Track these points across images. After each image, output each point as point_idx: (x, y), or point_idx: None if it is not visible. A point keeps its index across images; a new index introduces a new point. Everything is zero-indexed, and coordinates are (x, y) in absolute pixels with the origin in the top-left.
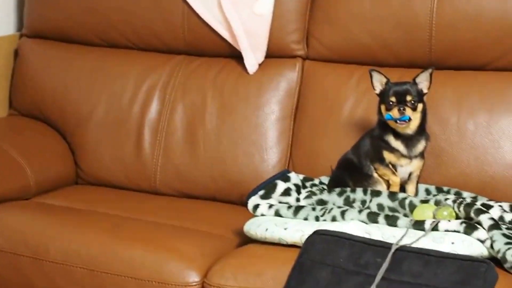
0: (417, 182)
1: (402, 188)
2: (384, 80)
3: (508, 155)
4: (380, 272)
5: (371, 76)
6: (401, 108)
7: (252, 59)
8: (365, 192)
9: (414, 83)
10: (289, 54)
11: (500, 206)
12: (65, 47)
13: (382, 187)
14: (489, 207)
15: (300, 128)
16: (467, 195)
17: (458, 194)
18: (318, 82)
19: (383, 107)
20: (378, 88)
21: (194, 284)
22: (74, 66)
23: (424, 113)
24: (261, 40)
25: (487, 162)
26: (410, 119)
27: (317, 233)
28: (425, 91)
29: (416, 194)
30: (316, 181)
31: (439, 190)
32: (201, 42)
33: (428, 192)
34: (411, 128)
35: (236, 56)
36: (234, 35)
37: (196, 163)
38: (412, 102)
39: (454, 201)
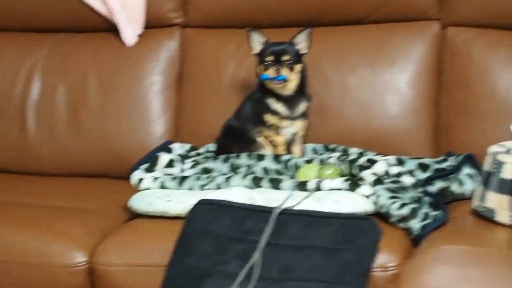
0: (303, 142)
1: (289, 150)
2: (263, 39)
3: (392, 107)
4: (263, 237)
5: (248, 37)
6: (277, 68)
7: (130, 31)
8: (249, 157)
9: (292, 43)
10: (168, 23)
11: (385, 160)
12: None
13: (267, 151)
14: (374, 162)
15: (184, 97)
16: (354, 151)
17: (345, 151)
18: (199, 49)
19: (260, 68)
20: (257, 48)
21: (81, 264)
22: None
23: (303, 74)
24: (137, 11)
25: (372, 116)
26: (286, 79)
27: (200, 203)
28: (303, 51)
29: (303, 154)
30: (202, 150)
31: (326, 148)
32: (78, 19)
33: (315, 151)
34: (289, 88)
35: (114, 29)
36: (110, 8)
37: (81, 142)
38: (289, 62)
39: (338, 159)
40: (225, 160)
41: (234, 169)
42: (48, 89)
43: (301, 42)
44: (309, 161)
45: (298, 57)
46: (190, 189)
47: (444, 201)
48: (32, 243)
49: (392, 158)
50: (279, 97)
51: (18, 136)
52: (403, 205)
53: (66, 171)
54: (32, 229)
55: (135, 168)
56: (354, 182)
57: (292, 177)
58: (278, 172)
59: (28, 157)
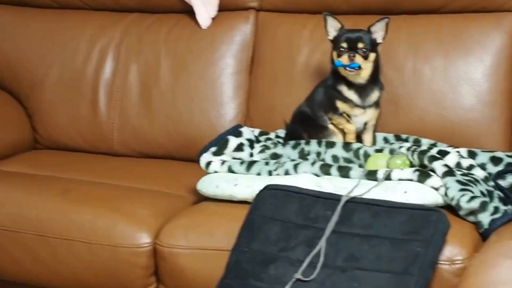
0: (374, 131)
1: (360, 138)
2: (338, 25)
3: (466, 99)
4: (330, 225)
5: (325, 21)
6: (351, 55)
7: (204, 13)
8: (319, 144)
9: (369, 31)
10: (242, 6)
11: (457, 152)
12: (17, 10)
13: (337, 138)
14: (445, 153)
15: (256, 81)
16: (426, 142)
17: (417, 142)
18: (272, 34)
19: (334, 54)
20: (332, 33)
21: (145, 245)
22: (26, 29)
23: (377, 63)
24: None
25: (445, 107)
26: (360, 67)
27: (267, 188)
28: (379, 40)
29: (374, 143)
30: (272, 135)
31: (398, 138)
32: None
33: (386, 140)
34: (362, 77)
35: (188, 11)
36: None
37: (152, 122)
38: (364, 50)
39: (408, 149)
40: (295, 146)
41: (304, 155)
42: (121, 68)
43: (378, 31)
44: (379, 150)
45: (373, 46)
46: (258, 174)
47: None
48: (98, 222)
49: (463, 150)
50: (352, 85)
51: (90, 115)
52: (472, 198)
53: (136, 152)
54: (98, 208)
55: (204, 150)
56: (423, 173)
57: (361, 165)
58: (348, 160)
59: (99, 136)
